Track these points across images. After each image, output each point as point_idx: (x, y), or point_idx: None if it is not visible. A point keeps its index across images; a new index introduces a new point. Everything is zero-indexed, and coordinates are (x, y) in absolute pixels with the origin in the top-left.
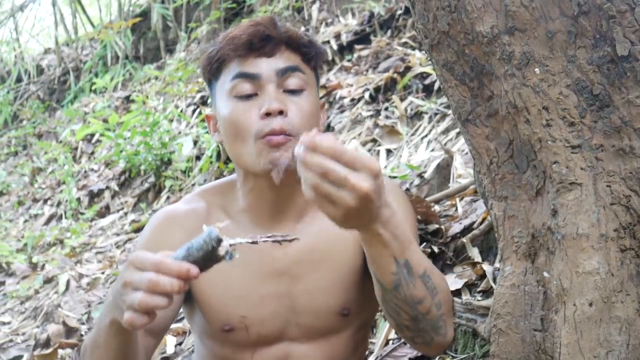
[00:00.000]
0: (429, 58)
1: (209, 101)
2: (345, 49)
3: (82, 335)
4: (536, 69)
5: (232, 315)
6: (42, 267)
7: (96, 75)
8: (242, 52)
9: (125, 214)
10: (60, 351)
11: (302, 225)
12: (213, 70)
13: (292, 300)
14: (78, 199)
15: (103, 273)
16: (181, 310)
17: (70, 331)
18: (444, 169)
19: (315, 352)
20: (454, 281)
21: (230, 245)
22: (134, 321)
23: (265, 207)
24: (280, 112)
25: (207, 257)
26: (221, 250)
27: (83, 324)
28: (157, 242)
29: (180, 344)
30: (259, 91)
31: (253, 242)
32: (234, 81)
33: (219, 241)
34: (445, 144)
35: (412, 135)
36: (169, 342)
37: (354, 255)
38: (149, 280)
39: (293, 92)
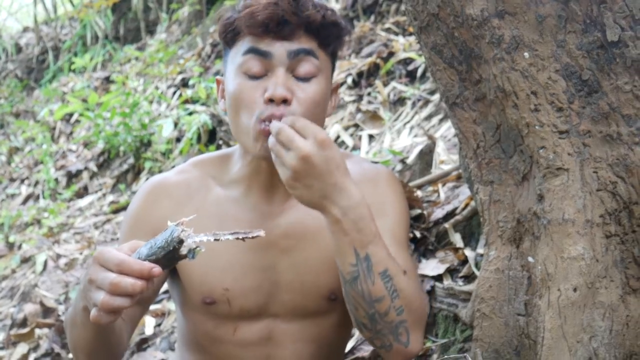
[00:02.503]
0: (417, 40)
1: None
2: None
3: (59, 315)
4: (525, 53)
5: (215, 288)
6: (19, 247)
7: (75, 54)
8: (257, 31)
9: (104, 195)
10: (37, 331)
11: (294, 201)
12: (228, 38)
13: (277, 275)
14: (56, 179)
15: (81, 254)
16: (161, 292)
17: (47, 311)
18: (426, 155)
19: (299, 332)
20: (435, 266)
21: (194, 242)
22: (100, 320)
23: (259, 181)
24: (284, 101)
25: (170, 256)
26: (183, 250)
27: (60, 304)
28: (145, 213)
29: (159, 325)
30: (269, 72)
31: (215, 240)
32: (245, 56)
33: (180, 242)
34: (428, 130)
35: (395, 120)
36: (148, 324)
37: None
38: (111, 282)
39: (303, 79)
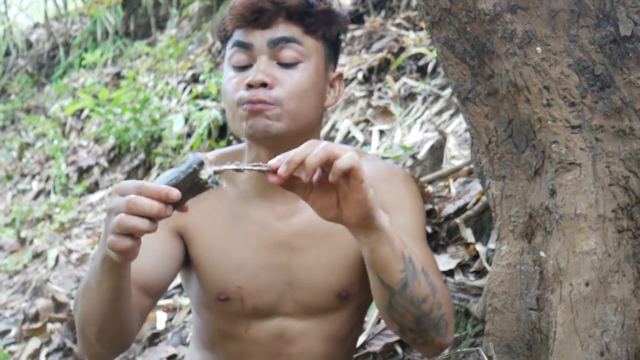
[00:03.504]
0: (429, 35)
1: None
2: None
3: (71, 310)
4: (538, 48)
5: (229, 285)
6: (31, 242)
7: (86, 50)
8: (239, 23)
9: None
10: (49, 325)
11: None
12: (222, 38)
13: (289, 274)
14: (67, 175)
15: (92, 248)
16: (173, 287)
17: (59, 306)
18: (437, 150)
19: (311, 331)
20: (447, 261)
21: (215, 172)
22: (115, 244)
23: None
24: (264, 85)
25: (190, 182)
26: (204, 174)
27: (72, 298)
28: None
29: (170, 319)
30: (253, 62)
31: (237, 170)
32: (232, 50)
33: (201, 164)
34: (439, 125)
35: (406, 116)
36: (160, 318)
37: None
38: (128, 200)
39: (287, 65)
